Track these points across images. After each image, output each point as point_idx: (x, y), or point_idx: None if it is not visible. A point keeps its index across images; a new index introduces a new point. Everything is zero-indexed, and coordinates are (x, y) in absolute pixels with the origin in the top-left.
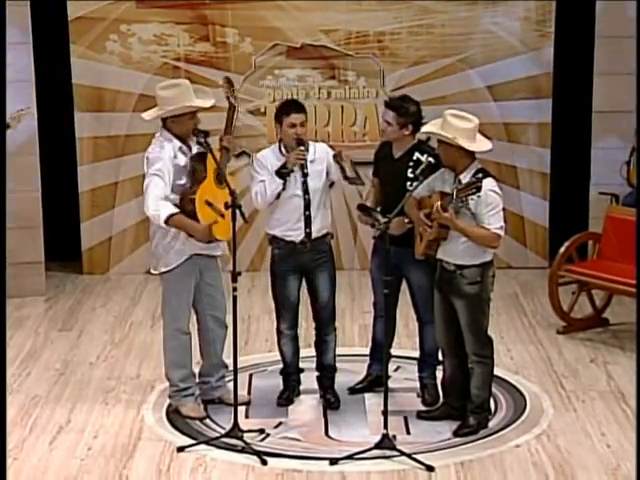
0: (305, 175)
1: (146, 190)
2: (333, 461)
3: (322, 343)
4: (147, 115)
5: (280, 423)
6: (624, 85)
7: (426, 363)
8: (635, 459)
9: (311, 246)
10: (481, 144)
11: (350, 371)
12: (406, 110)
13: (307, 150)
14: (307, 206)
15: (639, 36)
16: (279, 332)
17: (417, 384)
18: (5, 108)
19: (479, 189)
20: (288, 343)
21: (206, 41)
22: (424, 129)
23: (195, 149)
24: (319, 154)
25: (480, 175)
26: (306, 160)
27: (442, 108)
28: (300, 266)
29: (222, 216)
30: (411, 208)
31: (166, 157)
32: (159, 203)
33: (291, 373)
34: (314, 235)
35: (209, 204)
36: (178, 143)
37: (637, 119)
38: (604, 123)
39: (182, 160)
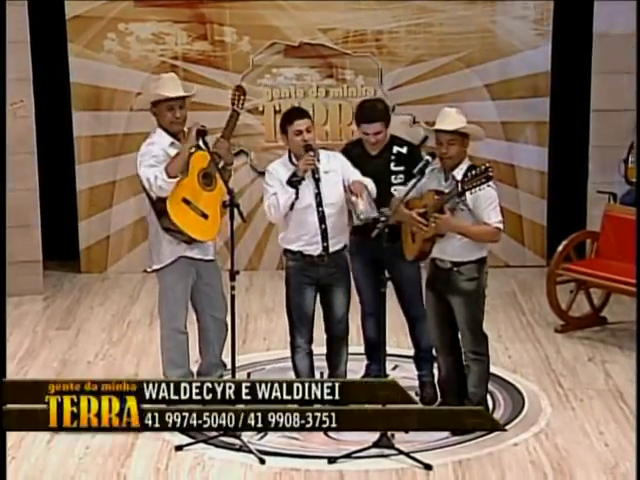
0: (317, 180)
1: (143, 178)
2: (331, 460)
3: (335, 356)
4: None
5: None
6: (622, 84)
7: (423, 360)
8: (635, 458)
9: (328, 260)
10: None
11: (349, 370)
12: (383, 112)
13: (317, 157)
14: (322, 219)
15: (639, 35)
16: (294, 347)
17: (415, 382)
18: (5, 108)
19: (489, 178)
20: (304, 358)
21: (204, 40)
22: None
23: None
24: (333, 165)
25: (487, 164)
26: (316, 166)
27: (440, 107)
28: (317, 279)
29: (204, 216)
30: (400, 209)
31: (153, 148)
32: (154, 174)
33: None
34: (332, 249)
35: (187, 202)
36: (169, 139)
37: (637, 118)
38: (602, 122)
39: (172, 152)
